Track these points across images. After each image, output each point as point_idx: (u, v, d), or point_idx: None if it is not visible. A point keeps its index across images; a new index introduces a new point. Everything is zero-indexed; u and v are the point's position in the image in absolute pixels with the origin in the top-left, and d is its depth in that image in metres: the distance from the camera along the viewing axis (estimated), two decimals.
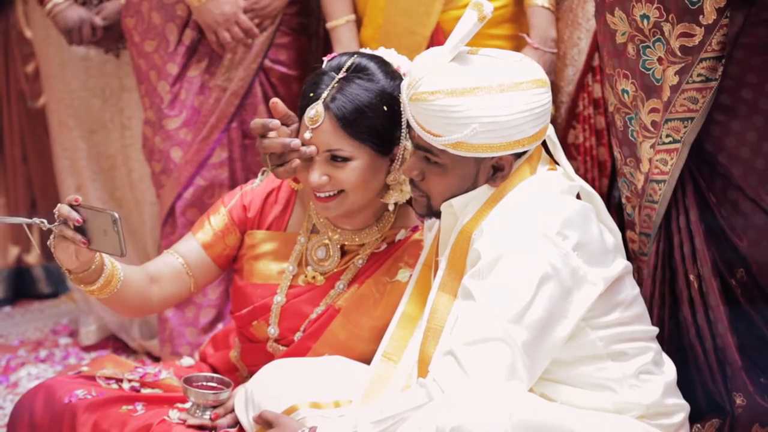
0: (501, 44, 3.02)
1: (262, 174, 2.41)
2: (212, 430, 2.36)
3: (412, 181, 2.28)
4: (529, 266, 2.09)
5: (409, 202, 2.50)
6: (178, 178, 3.26)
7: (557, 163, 2.30)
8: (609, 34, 2.46)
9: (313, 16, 3.43)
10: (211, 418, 2.35)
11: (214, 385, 2.42)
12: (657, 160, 2.41)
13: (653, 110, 2.40)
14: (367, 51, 2.43)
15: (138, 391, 2.44)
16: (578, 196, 2.28)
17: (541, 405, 2.05)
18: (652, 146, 2.41)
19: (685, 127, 2.36)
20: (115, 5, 3.44)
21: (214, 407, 2.37)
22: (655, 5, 2.33)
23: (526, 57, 2.24)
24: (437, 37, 3.05)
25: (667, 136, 2.38)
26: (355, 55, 2.38)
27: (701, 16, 2.29)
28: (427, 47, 2.98)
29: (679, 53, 2.32)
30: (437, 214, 2.27)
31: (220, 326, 3.31)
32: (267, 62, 3.26)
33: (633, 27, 2.39)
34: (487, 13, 2.15)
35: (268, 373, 2.35)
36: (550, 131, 2.27)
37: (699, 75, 2.32)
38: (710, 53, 2.30)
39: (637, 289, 2.25)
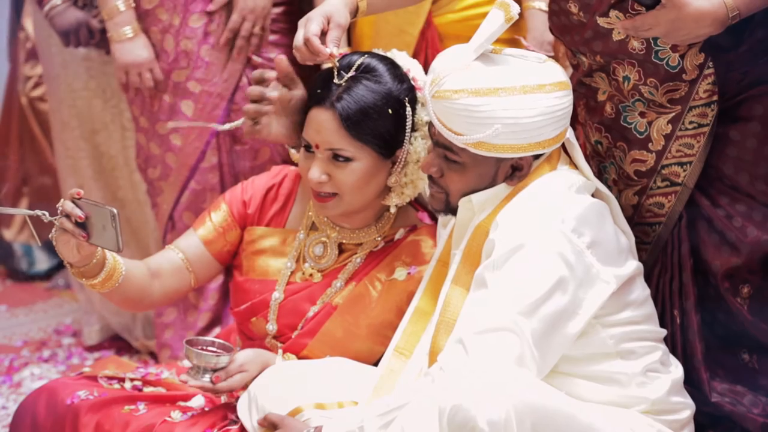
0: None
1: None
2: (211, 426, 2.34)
3: (430, 177, 2.27)
4: (544, 261, 2.09)
5: (411, 203, 2.49)
6: (175, 182, 3.25)
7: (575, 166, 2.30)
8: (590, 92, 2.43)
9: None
10: (211, 381, 2.34)
11: (216, 349, 2.40)
12: (651, 205, 2.39)
13: (636, 161, 2.38)
14: (379, 52, 2.42)
15: (140, 389, 2.44)
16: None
17: (544, 389, 2.04)
18: (637, 193, 2.39)
19: (684, 171, 2.34)
20: None
21: (215, 371, 2.35)
22: (636, 68, 2.31)
23: (550, 59, 2.23)
24: (433, 40, 3.04)
25: (663, 180, 2.36)
26: (366, 55, 2.37)
27: (684, 74, 2.28)
28: (417, 46, 3.02)
29: (667, 104, 2.31)
30: (454, 211, 2.27)
31: (217, 329, 3.29)
32: (258, 60, 3.22)
33: (613, 87, 2.36)
34: (514, 15, 2.16)
35: (271, 375, 2.34)
36: (569, 133, 2.27)
37: (691, 123, 2.31)
38: (698, 101, 2.30)
39: (648, 291, 2.25)
